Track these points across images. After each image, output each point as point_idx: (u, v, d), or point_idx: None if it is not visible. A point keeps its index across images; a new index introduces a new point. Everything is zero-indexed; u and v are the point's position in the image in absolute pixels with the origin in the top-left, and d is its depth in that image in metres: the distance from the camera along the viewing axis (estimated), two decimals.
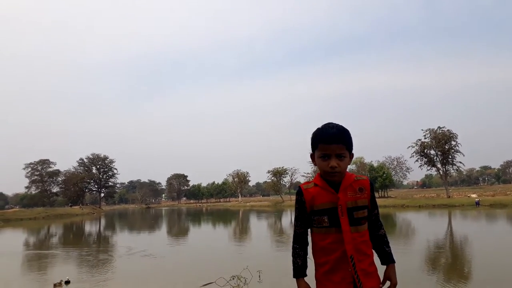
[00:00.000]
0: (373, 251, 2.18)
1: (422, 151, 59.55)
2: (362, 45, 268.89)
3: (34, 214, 70.33)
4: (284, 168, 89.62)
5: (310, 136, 2.08)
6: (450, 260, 14.52)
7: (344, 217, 2.00)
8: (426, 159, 60.12)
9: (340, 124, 2.03)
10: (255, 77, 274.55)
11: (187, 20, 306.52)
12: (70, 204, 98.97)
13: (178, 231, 35.47)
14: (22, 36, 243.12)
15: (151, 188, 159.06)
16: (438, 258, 14.85)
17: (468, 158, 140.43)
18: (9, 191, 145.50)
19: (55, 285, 12.18)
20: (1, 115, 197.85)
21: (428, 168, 61.69)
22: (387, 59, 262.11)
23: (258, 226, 36.44)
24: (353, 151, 2.06)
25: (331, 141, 1.95)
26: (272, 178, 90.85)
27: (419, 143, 59.81)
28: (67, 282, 12.51)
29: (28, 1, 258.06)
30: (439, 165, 59.75)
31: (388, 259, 2.17)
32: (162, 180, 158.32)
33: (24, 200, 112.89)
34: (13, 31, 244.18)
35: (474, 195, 55.32)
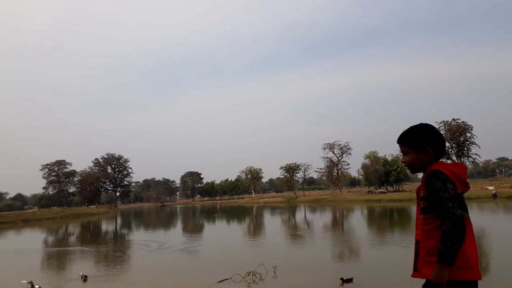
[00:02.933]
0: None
1: None
2: (376, 38, 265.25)
3: (52, 214, 71.65)
4: (297, 164, 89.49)
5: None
6: None
7: (417, 205, 2.30)
8: None
9: (421, 123, 2.39)
10: (268, 73, 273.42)
11: (197, 17, 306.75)
12: (86, 204, 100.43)
13: (193, 228, 35.77)
14: (35, 35, 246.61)
15: (166, 186, 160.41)
16: None
17: (484, 150, 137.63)
18: (27, 192, 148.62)
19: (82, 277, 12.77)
20: (17, 114, 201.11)
21: (443, 160, 60.78)
22: (399, 52, 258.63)
23: (272, 222, 36.51)
24: (413, 146, 2.34)
25: (398, 141, 2.45)
26: (285, 174, 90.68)
27: None
28: (85, 277, 12.93)
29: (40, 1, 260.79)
30: (454, 158, 58.96)
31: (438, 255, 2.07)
32: (176, 178, 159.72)
33: (42, 201, 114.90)
34: (28, 31, 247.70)
35: (491, 187, 54.34)
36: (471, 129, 56.52)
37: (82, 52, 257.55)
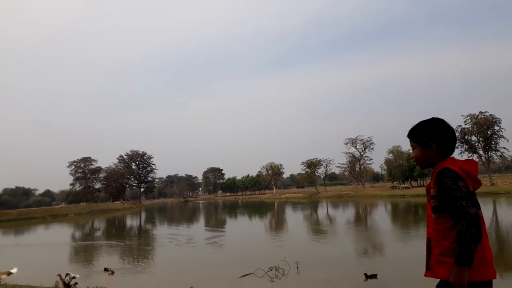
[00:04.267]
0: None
1: (463, 137, 57.21)
2: (397, 30, 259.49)
3: (79, 210, 73.72)
4: (318, 159, 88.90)
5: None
6: (496, 250, 13.99)
7: (427, 202, 2.26)
8: (466, 146, 57.77)
9: (429, 117, 2.34)
10: (289, 68, 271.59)
11: (218, 13, 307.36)
12: (111, 200, 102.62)
13: (216, 223, 36.12)
14: (57, 40, 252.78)
15: (188, 182, 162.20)
16: None
17: None
18: (55, 188, 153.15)
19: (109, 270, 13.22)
20: (44, 117, 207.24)
21: (469, 155, 59.13)
22: (422, 44, 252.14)
23: (294, 218, 36.47)
24: (423, 141, 2.30)
25: (407, 136, 2.43)
26: (306, 169, 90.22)
27: (458, 130, 57.50)
28: (111, 270, 13.41)
29: (59, 5, 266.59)
30: (481, 152, 57.23)
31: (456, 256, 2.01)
32: (198, 174, 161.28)
33: (69, 197, 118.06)
34: (50, 36, 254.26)
35: None
36: (500, 122, 54.72)
37: (105, 56, 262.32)
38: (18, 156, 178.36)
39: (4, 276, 11.15)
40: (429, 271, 2.15)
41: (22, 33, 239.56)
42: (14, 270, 11.40)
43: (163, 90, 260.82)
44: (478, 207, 2.10)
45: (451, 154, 2.27)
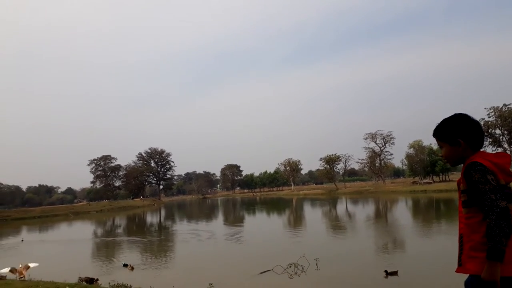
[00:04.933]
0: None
1: (486, 130, 55.79)
2: (418, 22, 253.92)
3: (100, 207, 75.18)
4: (337, 155, 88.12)
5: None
6: None
7: (459, 197, 2.19)
8: (490, 139, 56.37)
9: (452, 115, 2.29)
10: (305, 63, 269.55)
11: (235, 11, 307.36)
12: (131, 197, 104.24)
13: (235, 220, 36.24)
14: (76, 41, 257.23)
15: (207, 179, 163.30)
16: None
17: None
18: (77, 186, 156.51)
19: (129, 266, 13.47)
20: (67, 119, 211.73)
21: (494, 148, 57.65)
22: (444, 36, 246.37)
23: (313, 214, 36.27)
24: (446, 137, 2.27)
25: (433, 135, 2.39)
26: (325, 165, 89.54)
27: (482, 123, 56.17)
28: (126, 265, 13.71)
29: (83, 6, 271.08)
30: (505, 145, 55.73)
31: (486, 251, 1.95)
32: (216, 171, 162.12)
33: (90, 194, 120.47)
34: (69, 38, 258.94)
35: None
36: None
37: (124, 55, 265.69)
38: (40, 157, 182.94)
39: (24, 272, 11.46)
40: (460, 267, 2.10)
41: (34, 36, 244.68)
42: (33, 265, 11.70)
43: (180, 89, 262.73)
44: (511, 201, 2.01)
45: (481, 148, 2.22)
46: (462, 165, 2.21)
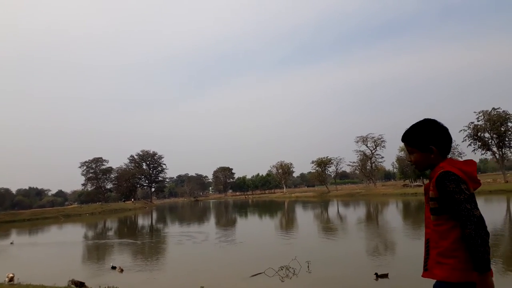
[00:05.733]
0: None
1: (475, 134, 56.42)
2: (412, 25, 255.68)
3: (91, 210, 74.49)
4: (328, 158, 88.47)
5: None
6: (510, 249, 13.78)
7: (426, 204, 2.22)
8: (479, 143, 56.96)
9: (423, 119, 2.30)
10: (302, 65, 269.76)
11: (231, 12, 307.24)
12: (123, 199, 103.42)
13: (227, 222, 36.17)
14: (72, 47, 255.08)
15: (199, 181, 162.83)
16: (496, 246, 14.11)
17: None
18: (67, 189, 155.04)
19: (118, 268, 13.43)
20: (55, 120, 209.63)
21: (483, 152, 58.36)
22: (437, 38, 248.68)
23: (305, 217, 36.35)
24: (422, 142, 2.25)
25: (402, 140, 2.38)
26: (317, 168, 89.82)
27: (471, 126, 56.78)
28: (114, 267, 13.68)
29: (82, 9, 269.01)
30: (494, 149, 56.37)
31: (473, 264, 1.95)
32: (208, 173, 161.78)
33: (81, 197, 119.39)
34: (69, 41, 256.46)
35: None
36: None
37: (115, 58, 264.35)
38: (30, 158, 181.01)
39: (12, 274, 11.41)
40: (427, 271, 2.15)
41: (34, 39, 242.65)
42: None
43: (172, 91, 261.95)
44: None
45: (448, 153, 2.26)
46: (430, 170, 2.25)
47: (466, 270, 1.98)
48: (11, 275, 11.50)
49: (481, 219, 1.95)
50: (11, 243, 27.37)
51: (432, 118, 2.29)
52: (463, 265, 1.99)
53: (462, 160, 2.24)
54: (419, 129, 2.27)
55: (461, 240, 2.01)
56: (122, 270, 13.40)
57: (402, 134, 2.35)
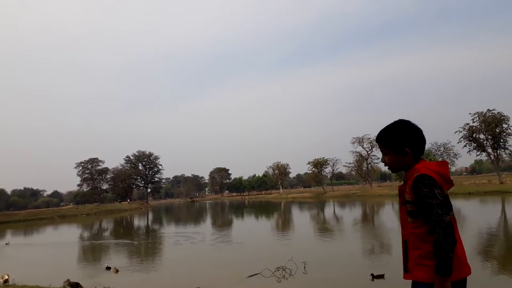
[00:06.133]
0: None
1: (471, 135, 56.72)
2: (407, 28, 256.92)
3: (87, 210, 74.21)
4: (325, 159, 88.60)
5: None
6: (505, 249, 13.86)
7: (401, 205, 2.22)
8: (475, 144, 57.25)
9: (396, 120, 2.30)
10: (301, 66, 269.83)
11: (229, 12, 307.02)
12: (119, 200, 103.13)
13: (223, 223, 36.15)
14: (69, 46, 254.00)
15: (195, 182, 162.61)
16: (491, 247, 14.20)
17: None
18: (63, 189, 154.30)
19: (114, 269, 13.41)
20: (51, 119, 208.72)
21: (478, 153, 58.65)
22: (433, 40, 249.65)
23: (301, 217, 36.39)
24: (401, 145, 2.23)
25: (376, 141, 2.38)
26: (313, 169, 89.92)
27: (466, 128, 57.07)
28: (109, 268, 13.63)
29: (81, 9, 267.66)
30: (489, 150, 56.68)
31: (436, 267, 2.01)
32: (204, 174, 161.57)
33: (77, 197, 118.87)
34: (68, 40, 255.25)
35: None
36: (508, 120, 54.18)
37: (111, 57, 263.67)
38: (26, 158, 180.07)
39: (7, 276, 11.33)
40: (408, 273, 2.15)
41: (30, 38, 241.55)
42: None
43: (168, 91, 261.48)
44: (451, 208, 2.13)
45: (422, 155, 2.24)
46: (405, 172, 2.25)
47: (455, 269, 2.01)
48: (6, 276, 11.44)
49: (450, 225, 1.98)
50: (7, 243, 27.22)
51: (406, 119, 2.28)
52: None
53: (438, 161, 2.24)
54: (393, 130, 2.25)
55: None
56: (117, 271, 13.36)
57: (377, 135, 2.34)
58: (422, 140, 2.23)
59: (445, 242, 1.94)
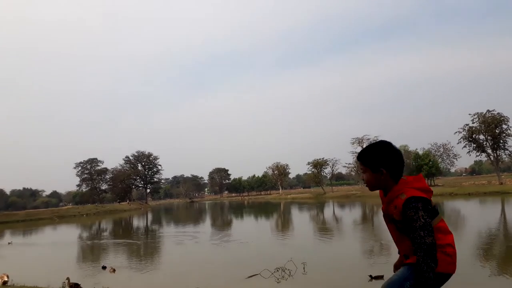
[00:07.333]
0: None
1: (470, 136, 56.78)
2: (404, 29, 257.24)
3: (86, 211, 74.10)
4: (324, 159, 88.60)
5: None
6: (505, 250, 13.84)
7: (388, 223, 2.39)
8: (474, 145, 57.32)
9: (380, 140, 2.43)
10: (295, 68, 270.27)
11: (228, 13, 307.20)
12: (118, 200, 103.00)
13: (222, 224, 36.11)
14: (68, 39, 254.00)
15: (194, 182, 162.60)
16: (491, 248, 14.18)
17: None
18: (62, 190, 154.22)
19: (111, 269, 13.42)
20: (50, 119, 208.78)
21: (478, 154, 58.77)
22: (431, 41, 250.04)
23: (301, 218, 36.37)
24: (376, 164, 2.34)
25: (357, 159, 2.50)
26: (313, 169, 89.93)
27: (466, 128, 57.13)
28: (104, 267, 13.62)
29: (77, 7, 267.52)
30: (489, 151, 56.72)
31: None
32: (204, 174, 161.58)
33: (76, 198, 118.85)
34: (62, 33, 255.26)
35: None
36: (508, 121, 54.24)
37: (111, 54, 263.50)
38: (25, 158, 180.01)
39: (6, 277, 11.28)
40: (409, 259, 2.26)
41: (29, 32, 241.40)
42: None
43: (168, 90, 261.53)
44: (437, 213, 2.29)
45: (401, 177, 2.36)
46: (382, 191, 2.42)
47: (449, 264, 2.17)
48: (5, 278, 11.40)
49: (431, 246, 2.07)
50: (9, 243, 27.18)
51: (387, 140, 2.41)
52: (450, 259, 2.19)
53: (413, 176, 2.38)
54: (373, 150, 2.39)
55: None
56: (114, 270, 13.32)
57: (358, 153, 2.49)
58: (400, 162, 2.35)
59: (425, 263, 2.05)
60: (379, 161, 2.31)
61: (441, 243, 2.17)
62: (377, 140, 2.42)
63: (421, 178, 2.36)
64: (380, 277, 10.00)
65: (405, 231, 2.23)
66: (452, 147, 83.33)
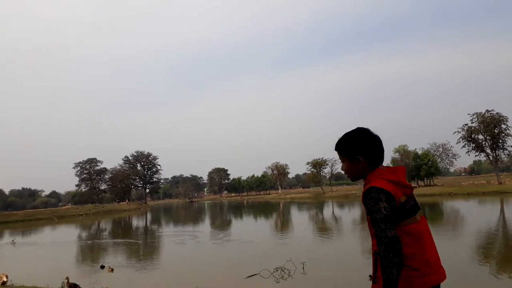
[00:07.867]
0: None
1: (469, 136, 56.81)
2: (402, 29, 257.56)
3: (85, 211, 74.00)
4: (324, 159, 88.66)
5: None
6: (504, 250, 13.85)
7: (367, 215, 2.13)
8: (474, 145, 57.35)
9: (357, 127, 2.24)
10: (292, 68, 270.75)
11: (226, 12, 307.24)
12: (117, 200, 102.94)
13: (222, 224, 36.09)
14: (68, 39, 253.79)
15: (193, 182, 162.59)
16: (490, 248, 14.19)
17: None
18: (61, 190, 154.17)
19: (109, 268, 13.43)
20: (50, 119, 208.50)
21: (477, 154, 58.78)
22: (435, 41, 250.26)
23: (300, 218, 36.36)
24: (358, 154, 2.17)
25: (335, 149, 2.31)
26: (312, 169, 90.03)
27: (465, 128, 57.16)
28: (103, 267, 13.59)
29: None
30: (488, 150, 56.76)
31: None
32: (203, 174, 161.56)
33: (75, 198, 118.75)
34: (63, 33, 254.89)
35: None
36: (507, 121, 54.29)
37: (109, 53, 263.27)
38: (24, 158, 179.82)
39: (4, 277, 11.25)
40: (376, 284, 2.05)
41: (28, 31, 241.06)
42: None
43: (167, 90, 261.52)
44: (418, 208, 2.10)
45: (380, 164, 2.18)
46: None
47: (417, 278, 1.95)
48: (4, 278, 11.37)
49: (393, 240, 1.91)
50: (12, 242, 27.14)
51: (365, 127, 2.22)
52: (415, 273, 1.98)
53: (391, 167, 2.17)
54: (348, 138, 2.23)
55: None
56: (112, 270, 13.30)
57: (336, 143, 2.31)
58: (378, 148, 2.17)
59: (385, 257, 1.90)
60: (355, 149, 2.16)
61: (407, 251, 1.95)
62: (353, 129, 2.24)
63: (397, 171, 2.13)
64: None
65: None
66: (451, 147, 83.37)
